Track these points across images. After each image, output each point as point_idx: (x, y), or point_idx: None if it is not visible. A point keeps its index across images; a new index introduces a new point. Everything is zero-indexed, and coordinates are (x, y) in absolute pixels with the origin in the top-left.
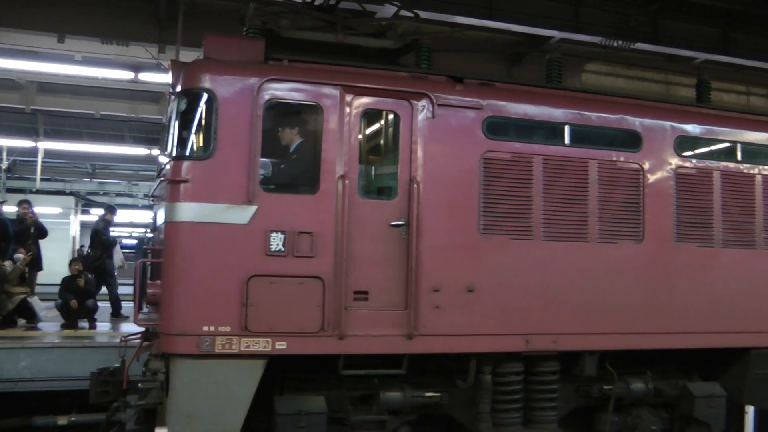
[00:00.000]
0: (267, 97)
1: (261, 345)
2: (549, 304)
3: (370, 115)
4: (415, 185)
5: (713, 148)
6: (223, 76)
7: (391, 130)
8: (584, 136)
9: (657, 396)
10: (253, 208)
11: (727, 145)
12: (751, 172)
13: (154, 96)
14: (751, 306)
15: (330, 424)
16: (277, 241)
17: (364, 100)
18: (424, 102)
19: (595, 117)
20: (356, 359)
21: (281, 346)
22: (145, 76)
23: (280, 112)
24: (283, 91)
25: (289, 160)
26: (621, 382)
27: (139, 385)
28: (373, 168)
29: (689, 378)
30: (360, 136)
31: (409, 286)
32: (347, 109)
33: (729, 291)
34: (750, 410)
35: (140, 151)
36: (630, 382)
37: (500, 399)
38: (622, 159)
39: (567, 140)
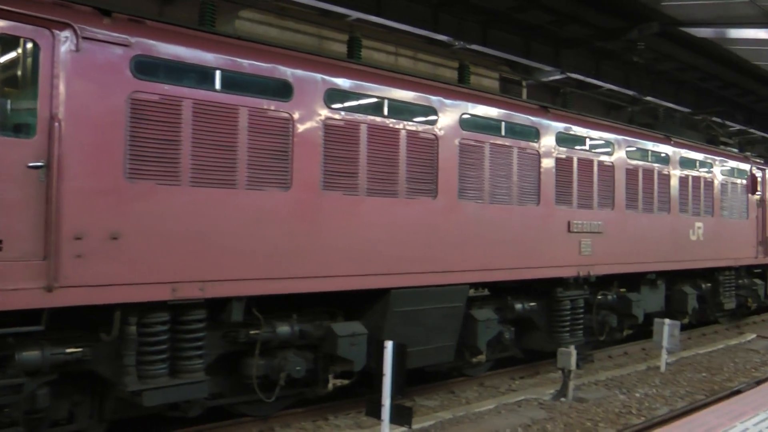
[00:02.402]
0: None
1: None
2: (196, 251)
3: (5, 42)
4: (57, 123)
5: (362, 102)
6: None
7: (30, 60)
8: (236, 82)
9: (303, 338)
10: None
11: (374, 100)
12: (396, 127)
13: None
14: (392, 250)
15: None
16: None
17: None
18: (67, 33)
19: (247, 64)
20: None
21: None
22: None
23: None
24: None
25: None
26: (267, 326)
27: None
28: (9, 102)
29: (334, 319)
30: None
31: (48, 234)
32: None
33: (372, 236)
34: (389, 345)
35: None
36: (276, 326)
37: (146, 350)
38: (272, 108)
39: (218, 86)
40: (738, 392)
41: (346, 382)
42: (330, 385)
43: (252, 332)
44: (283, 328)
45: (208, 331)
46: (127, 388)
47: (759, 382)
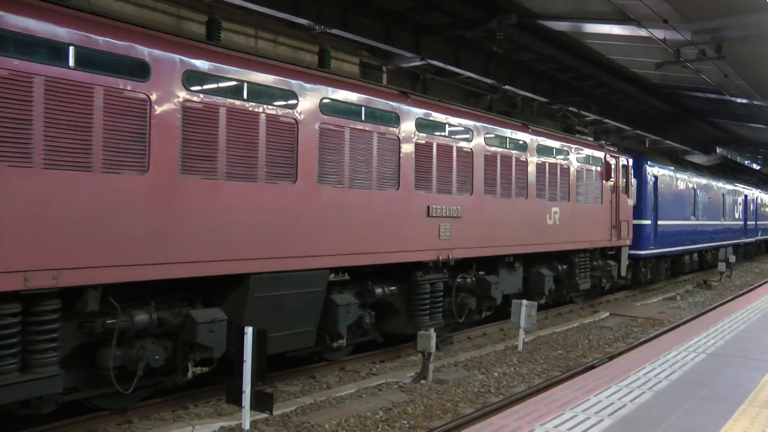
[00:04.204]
0: None
1: None
2: (50, 237)
3: None
4: None
5: (221, 85)
6: None
7: None
8: (90, 60)
9: (161, 326)
10: None
11: (234, 83)
12: (256, 110)
13: None
14: (251, 235)
15: None
16: None
17: None
18: None
19: (102, 41)
20: None
21: None
22: None
23: None
24: None
25: None
26: (124, 315)
27: None
28: None
29: (193, 306)
30: None
31: None
32: None
33: (232, 221)
34: (249, 331)
35: None
36: (134, 315)
37: None
38: (129, 88)
39: (72, 63)
40: (592, 367)
41: (206, 369)
42: (189, 374)
43: (109, 322)
44: (141, 317)
45: (63, 322)
46: None
47: (612, 357)
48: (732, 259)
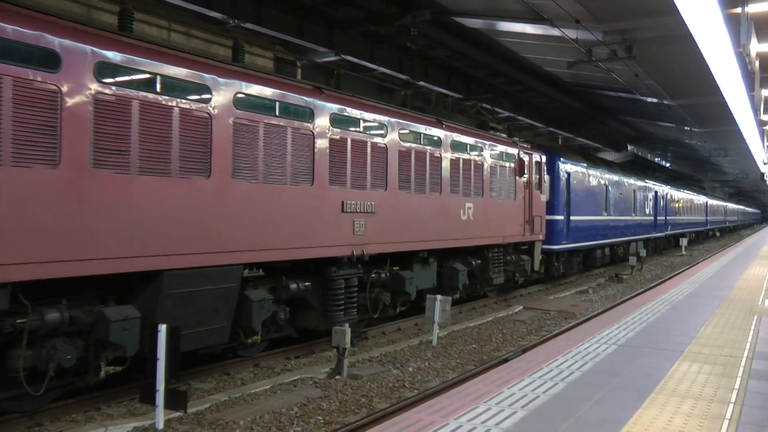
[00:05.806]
0: None
1: None
2: None
3: None
4: None
5: (133, 77)
6: None
7: None
8: None
9: (73, 324)
10: None
11: (147, 76)
12: (169, 104)
13: None
14: (165, 231)
15: None
16: None
17: None
18: None
19: (10, 30)
20: None
21: None
22: None
23: None
24: None
25: None
26: (35, 313)
27: None
28: None
29: (105, 303)
30: None
31: None
32: None
33: (145, 217)
34: (162, 328)
35: None
36: (44, 313)
37: None
38: (39, 79)
39: None
40: (506, 360)
41: (118, 369)
42: (102, 373)
43: (19, 321)
44: (52, 315)
45: None
46: None
47: (525, 350)
48: (642, 253)
